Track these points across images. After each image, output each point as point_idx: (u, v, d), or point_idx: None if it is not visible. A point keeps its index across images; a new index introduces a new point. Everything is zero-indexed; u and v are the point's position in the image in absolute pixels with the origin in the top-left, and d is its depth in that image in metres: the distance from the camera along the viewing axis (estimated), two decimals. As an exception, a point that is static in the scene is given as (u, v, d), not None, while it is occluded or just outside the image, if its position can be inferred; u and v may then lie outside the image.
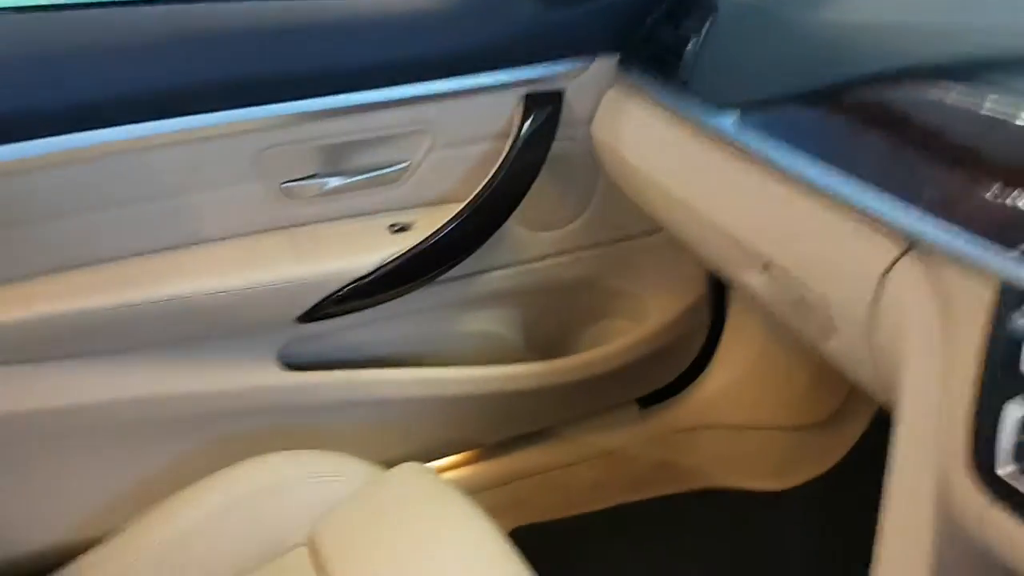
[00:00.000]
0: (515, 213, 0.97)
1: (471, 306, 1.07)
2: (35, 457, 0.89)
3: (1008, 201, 0.47)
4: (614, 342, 1.15)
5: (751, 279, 0.75)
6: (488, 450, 1.18)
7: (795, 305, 0.68)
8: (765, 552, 1.16)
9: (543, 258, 1.06)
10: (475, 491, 0.85)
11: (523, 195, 0.95)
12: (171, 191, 0.85)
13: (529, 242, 1.04)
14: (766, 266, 0.69)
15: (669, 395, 1.27)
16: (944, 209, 0.51)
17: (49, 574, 0.79)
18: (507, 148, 0.93)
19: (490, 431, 1.13)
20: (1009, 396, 0.46)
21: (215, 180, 0.86)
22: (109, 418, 0.90)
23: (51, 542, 0.92)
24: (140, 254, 0.86)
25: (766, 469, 1.24)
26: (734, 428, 1.24)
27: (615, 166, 0.95)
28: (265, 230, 0.91)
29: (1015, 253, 0.46)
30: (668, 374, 1.25)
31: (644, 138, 0.87)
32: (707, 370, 1.25)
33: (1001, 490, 0.47)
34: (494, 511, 0.78)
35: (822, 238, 0.61)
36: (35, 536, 0.91)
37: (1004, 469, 0.47)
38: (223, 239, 0.89)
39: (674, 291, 1.17)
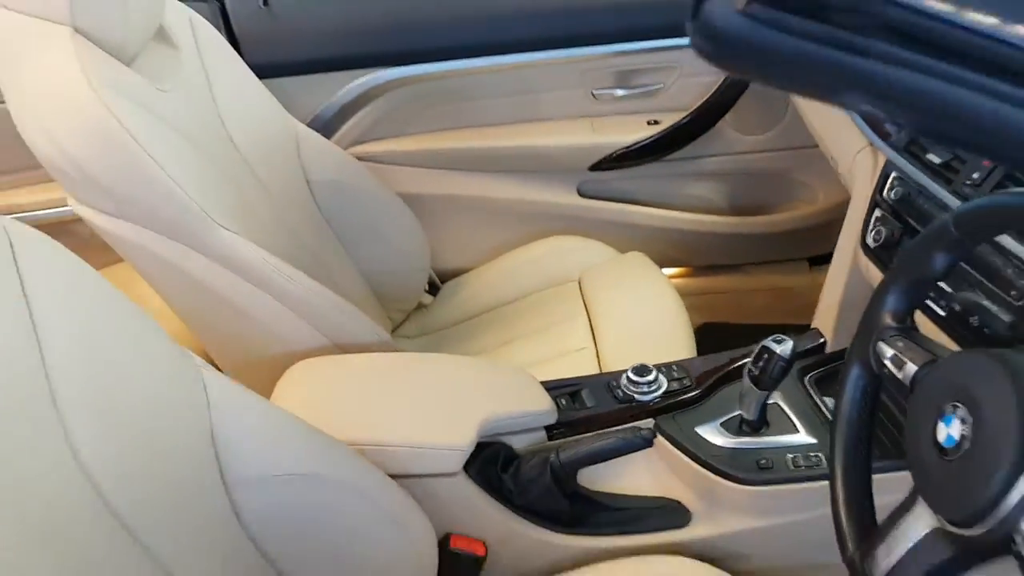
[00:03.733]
0: (727, 119, 1.57)
1: (692, 177, 1.68)
2: (451, 218, 1.69)
3: (893, 125, 1.04)
4: (790, 213, 1.72)
5: (835, 167, 1.32)
6: (694, 270, 1.79)
7: (840, 176, 1.25)
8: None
9: (743, 153, 1.64)
10: (680, 290, 1.44)
11: (729, 108, 1.55)
12: (533, 90, 1.58)
13: (735, 141, 1.62)
14: (831, 159, 1.27)
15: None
16: (875, 126, 1.07)
17: (452, 279, 1.61)
18: (723, 76, 1.54)
19: (696, 257, 1.75)
20: (877, 206, 1.04)
21: (556, 86, 1.58)
22: (486, 206, 1.67)
23: (456, 264, 1.70)
24: (513, 123, 1.62)
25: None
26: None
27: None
28: (578, 117, 1.62)
29: (888, 143, 1.03)
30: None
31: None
32: (862, 246, 1.75)
33: (869, 249, 1.05)
34: (689, 307, 1.39)
35: (843, 141, 1.18)
36: (452, 258, 1.71)
37: (868, 238, 1.05)
38: (556, 119, 1.62)
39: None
